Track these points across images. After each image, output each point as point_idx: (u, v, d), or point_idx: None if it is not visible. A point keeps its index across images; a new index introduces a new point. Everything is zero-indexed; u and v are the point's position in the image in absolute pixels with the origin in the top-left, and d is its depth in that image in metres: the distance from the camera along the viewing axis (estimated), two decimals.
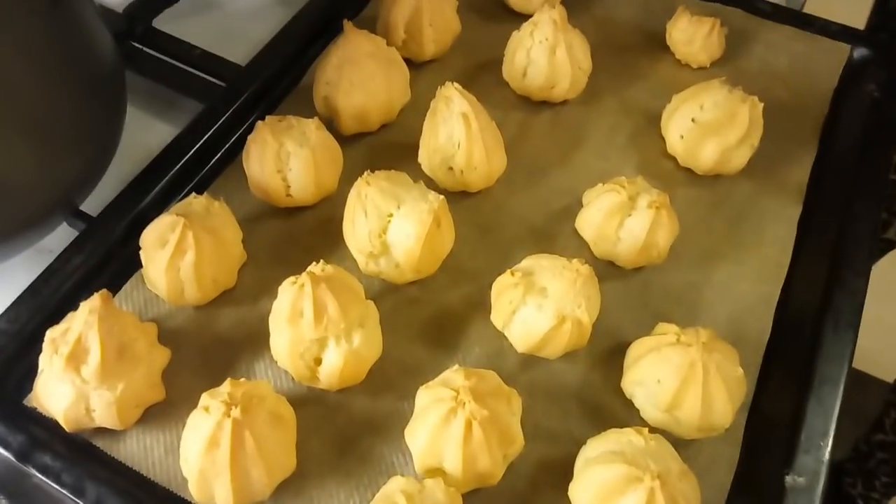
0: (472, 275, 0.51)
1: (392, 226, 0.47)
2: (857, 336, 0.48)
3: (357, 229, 0.48)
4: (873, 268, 0.52)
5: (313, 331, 0.42)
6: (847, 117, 0.61)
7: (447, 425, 0.39)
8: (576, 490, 0.40)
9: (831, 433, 0.44)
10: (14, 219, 0.50)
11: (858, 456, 1.10)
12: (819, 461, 0.43)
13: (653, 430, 0.41)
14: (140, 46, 0.68)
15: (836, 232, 0.54)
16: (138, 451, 0.44)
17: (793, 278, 0.52)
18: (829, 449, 0.43)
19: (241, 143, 0.55)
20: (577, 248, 0.53)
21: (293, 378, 0.46)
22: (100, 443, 0.44)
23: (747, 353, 0.47)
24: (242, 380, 0.41)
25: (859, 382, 1.39)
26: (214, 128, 0.58)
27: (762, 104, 0.54)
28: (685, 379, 0.41)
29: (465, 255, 0.53)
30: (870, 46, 0.63)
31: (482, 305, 0.50)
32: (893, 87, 0.61)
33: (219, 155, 0.58)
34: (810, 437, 0.44)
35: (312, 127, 0.52)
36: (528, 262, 0.47)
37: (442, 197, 0.48)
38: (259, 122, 0.52)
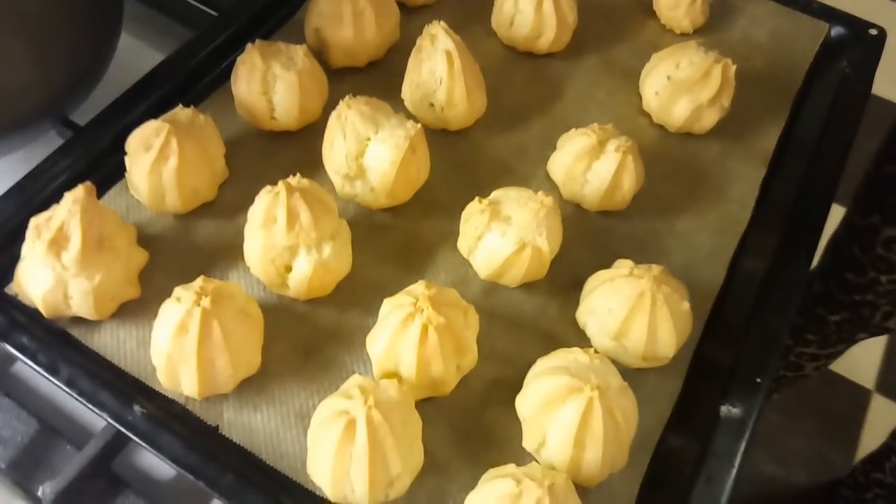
0: (445, 207, 0.53)
1: (369, 150, 0.49)
2: (802, 292, 0.51)
3: (335, 151, 0.50)
4: None
5: (285, 237, 0.44)
6: (818, 91, 0.63)
7: (405, 329, 0.41)
8: (522, 400, 0.43)
9: (768, 372, 0.47)
10: (5, 118, 0.51)
11: (856, 485, 1.13)
12: (754, 394, 0.46)
13: None
14: None
15: (794, 196, 0.56)
16: (111, 343, 0.46)
17: (749, 235, 0.55)
18: (765, 386, 0.46)
19: (231, 70, 0.57)
20: (548, 189, 0.54)
21: (264, 287, 0.49)
22: (75, 332, 0.47)
23: (699, 298, 0.50)
24: (215, 280, 0.43)
25: (831, 383, 1.43)
26: (205, 52, 0.60)
27: (735, 66, 0.56)
28: (634, 308, 0.44)
29: (440, 188, 0.55)
30: (846, 26, 0.66)
31: (451, 236, 0.52)
32: (864, 65, 0.63)
33: (209, 78, 0.60)
34: (748, 374, 0.46)
35: (300, 53, 0.54)
36: (496, 193, 0.49)
37: (419, 125, 0.50)
38: (249, 45, 0.54)
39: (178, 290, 0.42)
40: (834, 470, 1.29)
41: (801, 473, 1.29)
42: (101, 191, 0.52)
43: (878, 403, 1.39)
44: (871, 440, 1.33)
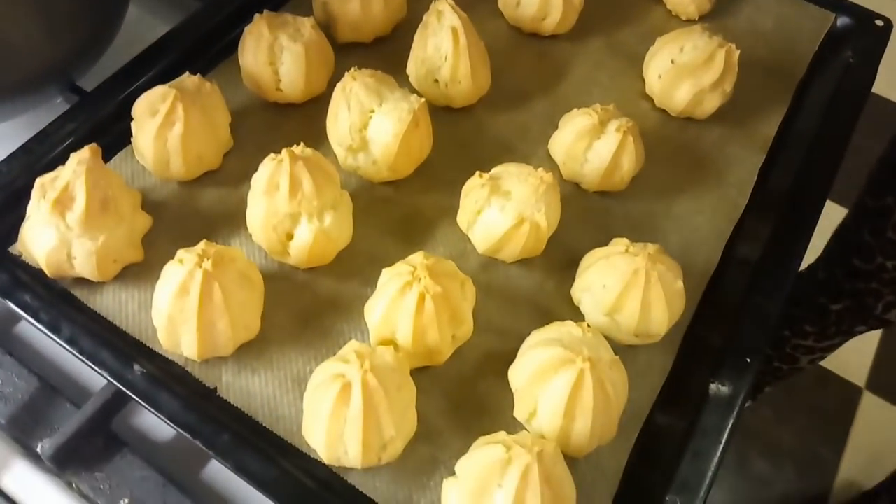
0: (446, 182, 0.54)
1: (373, 122, 0.50)
2: (796, 274, 0.52)
3: (339, 122, 0.50)
4: None
5: (287, 204, 0.45)
6: (821, 80, 0.64)
7: (402, 297, 0.42)
8: (514, 371, 0.44)
9: (760, 353, 0.47)
10: (13, 79, 0.52)
11: None
12: (744, 374, 0.46)
13: None
14: None
15: (792, 183, 0.57)
16: (113, 304, 0.47)
17: (746, 219, 0.55)
18: (755, 366, 0.47)
19: (238, 41, 0.57)
20: (549, 168, 0.55)
21: (266, 255, 0.49)
22: (78, 292, 0.47)
23: (693, 279, 0.51)
24: (216, 243, 0.44)
25: (823, 381, 1.43)
26: (214, 22, 0.60)
27: (738, 52, 0.57)
28: (628, 284, 0.45)
29: (442, 164, 0.55)
30: (852, 16, 0.66)
31: (451, 211, 0.52)
32: (868, 55, 0.64)
33: (217, 48, 0.60)
34: (739, 354, 0.47)
35: (308, 25, 0.54)
36: (497, 169, 0.50)
37: (423, 99, 0.50)
38: (257, 15, 0.54)
39: (181, 253, 0.43)
40: (824, 467, 1.30)
41: (791, 470, 1.31)
42: (107, 156, 0.53)
43: (869, 401, 1.40)
44: (861, 438, 1.34)
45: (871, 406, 1.40)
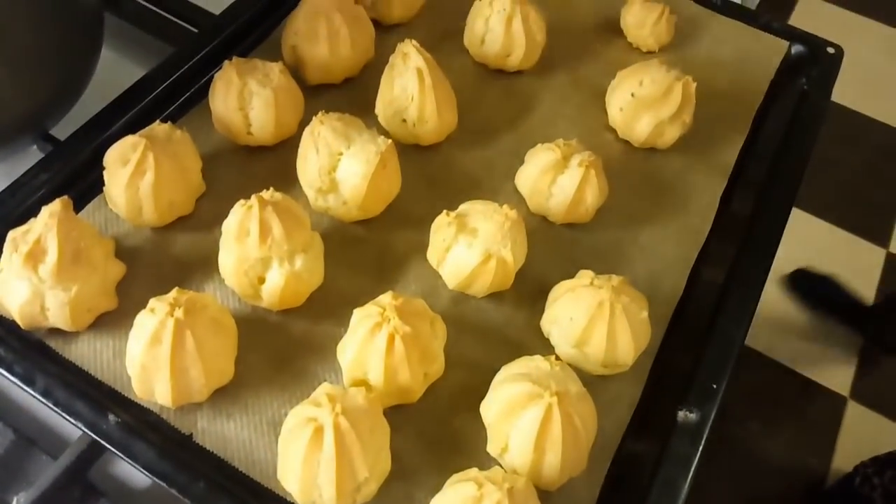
0: (416, 220, 0.55)
1: (341, 164, 0.51)
2: (759, 298, 0.53)
3: (308, 165, 0.52)
4: None
5: (258, 250, 0.46)
6: (778, 107, 0.66)
7: (373, 338, 0.43)
8: (486, 406, 0.44)
9: (725, 378, 0.48)
10: None
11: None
12: (711, 400, 0.47)
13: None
14: None
15: (752, 207, 0.59)
16: (88, 353, 0.47)
17: (709, 245, 0.57)
18: (721, 391, 0.48)
19: (209, 86, 0.58)
20: (516, 203, 0.56)
21: (239, 298, 0.50)
22: (52, 343, 0.48)
23: (660, 307, 0.52)
24: (190, 291, 0.45)
25: (808, 391, 1.45)
26: (185, 68, 0.61)
27: (695, 83, 0.59)
28: (593, 317, 0.46)
29: (411, 201, 0.56)
30: (805, 44, 0.68)
31: (422, 248, 0.53)
32: (822, 82, 0.66)
33: (187, 94, 0.61)
34: (706, 380, 0.48)
35: (276, 70, 0.55)
36: (464, 206, 0.51)
37: (390, 141, 0.51)
38: (226, 62, 0.55)
39: (153, 302, 0.43)
40: (813, 476, 1.31)
41: (781, 481, 1.32)
42: (81, 204, 0.54)
43: (854, 410, 1.42)
44: (847, 446, 1.36)
45: (856, 415, 1.41)
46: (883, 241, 1.63)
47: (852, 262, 1.58)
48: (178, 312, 0.42)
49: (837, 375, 1.45)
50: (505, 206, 0.49)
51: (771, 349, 1.45)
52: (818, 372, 1.44)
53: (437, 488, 0.42)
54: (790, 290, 1.46)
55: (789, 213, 0.58)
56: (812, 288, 1.47)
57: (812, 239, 1.57)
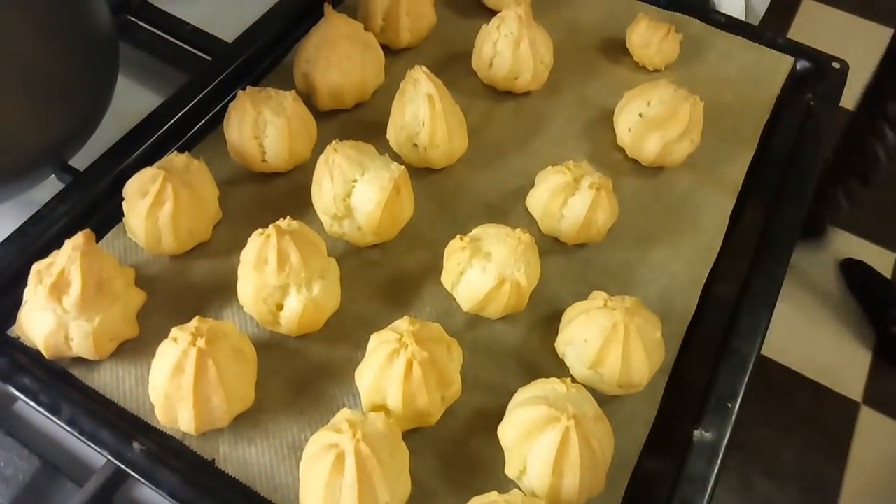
0: (429, 243, 0.56)
1: (356, 191, 0.52)
2: (771, 315, 0.53)
3: (323, 192, 0.52)
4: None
5: (276, 278, 0.47)
6: (785, 123, 0.66)
7: (391, 364, 0.44)
8: (503, 430, 0.45)
9: (739, 397, 0.49)
10: (5, 166, 0.54)
11: None
12: (726, 419, 0.48)
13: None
14: (135, 20, 0.72)
15: (763, 224, 0.59)
16: (111, 381, 0.48)
17: (720, 263, 0.57)
18: (735, 410, 0.48)
19: (224, 113, 0.59)
20: (527, 224, 0.57)
21: (257, 324, 0.51)
22: (76, 371, 0.49)
23: (673, 325, 0.53)
24: (210, 319, 0.46)
25: (820, 397, 1.45)
26: (199, 97, 0.62)
27: (703, 103, 0.59)
28: (608, 338, 0.46)
29: (425, 224, 0.57)
30: (810, 59, 0.69)
31: (436, 270, 0.54)
32: (828, 96, 0.66)
33: (202, 122, 0.63)
34: (720, 399, 0.49)
35: (290, 98, 0.56)
36: (477, 230, 0.52)
37: (403, 167, 0.52)
38: (240, 92, 0.56)
39: (175, 331, 0.44)
40: (827, 484, 1.31)
41: (794, 488, 1.31)
42: (101, 233, 0.55)
43: (867, 415, 1.42)
44: (861, 453, 1.35)
45: (869, 421, 1.41)
46: (893, 245, 1.63)
47: None
48: (201, 342, 0.42)
49: (849, 380, 1.44)
50: (518, 230, 0.50)
51: (781, 355, 1.44)
52: (830, 377, 1.43)
53: None
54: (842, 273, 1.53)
55: (799, 228, 0.58)
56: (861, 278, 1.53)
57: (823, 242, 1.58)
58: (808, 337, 1.49)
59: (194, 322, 0.44)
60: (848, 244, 1.62)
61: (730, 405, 0.48)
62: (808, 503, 1.31)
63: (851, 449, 1.38)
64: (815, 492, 1.32)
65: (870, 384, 1.45)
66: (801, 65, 0.69)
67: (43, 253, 0.50)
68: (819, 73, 0.68)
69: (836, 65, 0.68)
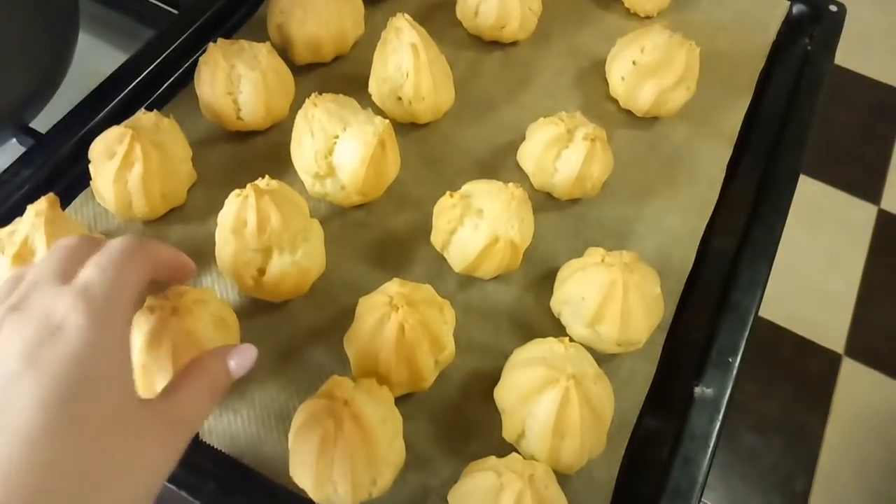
0: (417, 202, 0.53)
1: (338, 147, 0.49)
2: (771, 267, 0.52)
3: (303, 150, 0.50)
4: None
5: (256, 241, 0.44)
6: (781, 69, 0.64)
7: (381, 329, 0.42)
8: (500, 392, 0.43)
9: (740, 352, 0.48)
10: None
11: None
12: (727, 374, 0.47)
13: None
14: None
15: (760, 173, 0.57)
16: None
17: (718, 215, 0.55)
18: (736, 365, 0.47)
19: (194, 69, 0.56)
20: (519, 180, 0.55)
21: (238, 290, 0.48)
22: None
23: (670, 280, 0.51)
24: (186, 287, 0.43)
25: (803, 350, 1.47)
26: (167, 52, 0.58)
27: (699, 49, 0.57)
28: (606, 295, 0.44)
29: (411, 183, 0.55)
30: (806, 3, 0.66)
31: (425, 230, 0.52)
32: (824, 41, 0.64)
33: (171, 79, 0.59)
34: (721, 354, 0.47)
35: (264, 51, 0.53)
36: (467, 187, 0.49)
37: (388, 121, 0.49)
38: (211, 44, 0.53)
39: (150, 300, 0.42)
40: (810, 435, 1.33)
41: (779, 441, 1.33)
42: (67, 199, 0.51)
43: (849, 367, 1.44)
44: (843, 403, 1.37)
45: (850, 372, 1.43)
46: (874, 199, 1.63)
47: (844, 219, 1.58)
48: (177, 311, 0.40)
49: (831, 332, 1.46)
50: (510, 185, 0.47)
51: (764, 309, 1.45)
52: (811, 329, 1.44)
53: (453, 476, 0.41)
54: None
55: (797, 178, 0.57)
56: None
57: (803, 196, 1.57)
58: (790, 292, 1.50)
59: (171, 289, 0.42)
60: None
61: (731, 360, 0.47)
62: (791, 454, 1.34)
63: (833, 399, 1.40)
64: (799, 443, 1.34)
65: (851, 336, 1.47)
66: (797, 8, 0.67)
67: (4, 222, 0.47)
68: (816, 17, 0.66)
69: (833, 7, 0.66)
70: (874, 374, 1.41)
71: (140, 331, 0.41)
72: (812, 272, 1.50)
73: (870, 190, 1.63)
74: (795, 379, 1.39)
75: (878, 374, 1.41)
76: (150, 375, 0.41)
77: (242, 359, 0.35)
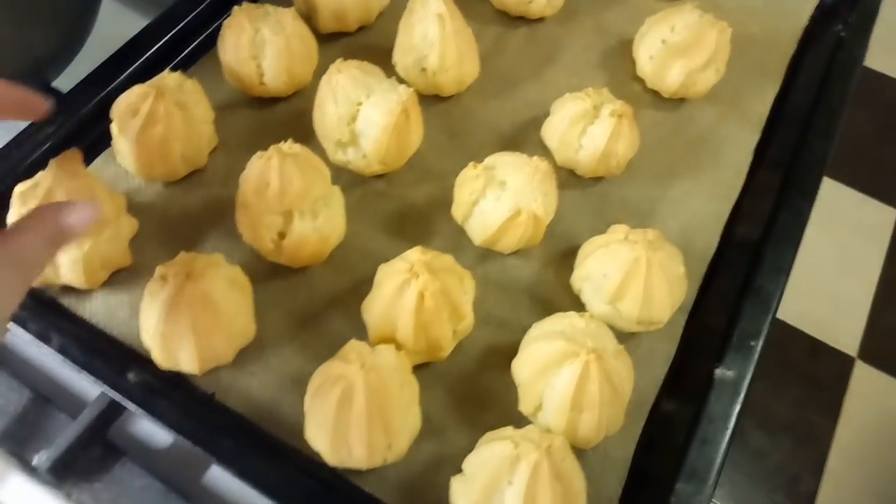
0: (438, 174, 0.53)
1: (361, 114, 0.49)
2: (796, 253, 0.51)
3: (326, 116, 0.49)
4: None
5: (278, 203, 0.44)
6: (812, 54, 0.63)
7: (401, 295, 0.41)
8: (518, 365, 0.43)
9: (762, 336, 0.47)
10: None
11: None
12: (748, 358, 0.46)
13: None
14: None
15: (788, 159, 0.56)
16: (103, 311, 0.46)
17: (743, 200, 0.55)
18: (758, 349, 0.46)
19: (218, 33, 0.55)
20: (542, 156, 0.54)
21: (258, 255, 0.48)
22: (66, 301, 0.46)
23: (693, 263, 0.50)
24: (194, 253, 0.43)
25: (815, 351, 1.46)
26: (192, 14, 0.58)
27: (730, 29, 0.56)
28: (629, 272, 0.44)
29: (433, 155, 0.54)
30: None
31: (445, 203, 0.51)
32: (858, 27, 0.63)
33: (195, 43, 0.58)
34: (742, 338, 0.47)
35: (289, 16, 0.52)
36: (490, 159, 0.49)
37: (412, 89, 0.49)
38: (236, 7, 0.52)
39: (161, 269, 0.41)
40: (819, 436, 1.31)
41: (788, 441, 1.32)
42: (88, 159, 0.51)
43: (861, 370, 1.42)
44: (855, 406, 1.36)
45: (863, 375, 1.41)
46: (893, 201, 1.61)
47: (861, 221, 1.56)
48: (192, 276, 0.40)
49: (845, 335, 1.44)
50: (535, 158, 0.47)
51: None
52: (825, 331, 1.43)
53: (468, 447, 0.41)
54: None
55: (825, 164, 0.55)
56: None
57: (819, 196, 1.55)
58: (802, 290, 1.48)
59: (180, 257, 0.42)
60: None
61: (753, 343, 0.46)
62: (799, 454, 1.32)
63: (844, 402, 1.39)
64: (807, 444, 1.33)
65: (865, 340, 1.45)
66: None
67: (26, 176, 0.47)
68: (850, 3, 0.64)
69: None
70: (888, 379, 1.39)
71: (156, 301, 0.41)
72: (827, 273, 1.47)
73: (889, 192, 1.61)
74: (806, 379, 1.38)
75: (892, 379, 1.39)
76: (170, 344, 0.41)
77: (81, 216, 0.32)
